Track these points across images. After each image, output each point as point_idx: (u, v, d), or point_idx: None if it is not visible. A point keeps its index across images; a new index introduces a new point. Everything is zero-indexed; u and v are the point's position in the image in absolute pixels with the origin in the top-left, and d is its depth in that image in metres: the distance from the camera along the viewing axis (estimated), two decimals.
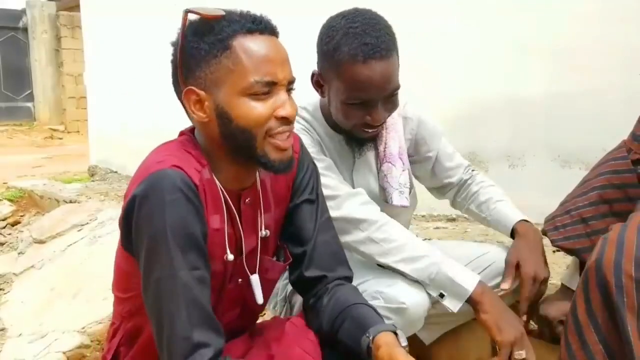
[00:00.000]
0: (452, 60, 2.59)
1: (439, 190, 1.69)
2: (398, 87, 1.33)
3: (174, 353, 0.95)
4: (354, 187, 1.47)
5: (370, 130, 1.38)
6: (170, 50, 1.07)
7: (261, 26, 1.02)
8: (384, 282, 1.32)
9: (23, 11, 10.82)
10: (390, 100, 1.34)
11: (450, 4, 2.63)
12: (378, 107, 1.32)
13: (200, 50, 1.00)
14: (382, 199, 1.52)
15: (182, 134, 1.13)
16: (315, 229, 1.21)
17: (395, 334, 1.06)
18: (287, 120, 1.03)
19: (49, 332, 2.26)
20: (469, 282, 1.30)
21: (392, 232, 1.34)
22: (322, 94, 1.41)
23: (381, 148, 1.49)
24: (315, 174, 1.25)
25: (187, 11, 1.01)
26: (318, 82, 1.39)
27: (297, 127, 1.36)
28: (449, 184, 1.65)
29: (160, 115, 3.17)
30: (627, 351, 0.99)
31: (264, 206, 1.16)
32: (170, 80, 1.09)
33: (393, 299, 1.27)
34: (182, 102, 1.07)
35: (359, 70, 1.27)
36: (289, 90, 1.05)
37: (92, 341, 2.15)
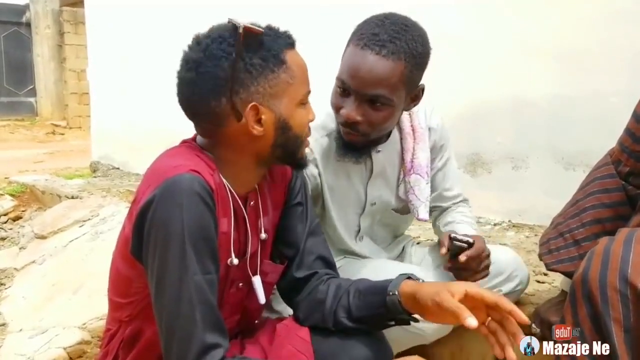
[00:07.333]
0: (457, 61, 2.58)
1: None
2: (380, 96, 1.24)
3: (188, 354, 0.95)
4: (366, 200, 1.48)
5: (344, 129, 1.30)
6: (196, 63, 1.00)
7: (294, 40, 1.08)
8: None
9: (26, 6, 10.84)
10: (365, 103, 1.25)
11: (454, 5, 2.63)
12: (351, 99, 1.26)
13: (255, 65, 1.00)
14: (393, 209, 1.52)
15: (184, 142, 1.13)
16: (305, 232, 1.23)
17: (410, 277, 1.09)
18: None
19: (49, 328, 2.25)
20: None
21: None
22: None
23: (408, 159, 1.46)
24: (303, 180, 1.27)
25: (244, 28, 0.98)
26: None
27: None
28: (437, 207, 1.61)
29: (162, 112, 3.17)
30: None
31: (262, 209, 1.17)
32: (188, 88, 1.03)
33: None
34: (206, 116, 1.03)
35: (353, 52, 1.25)
36: None
37: (92, 337, 2.14)
